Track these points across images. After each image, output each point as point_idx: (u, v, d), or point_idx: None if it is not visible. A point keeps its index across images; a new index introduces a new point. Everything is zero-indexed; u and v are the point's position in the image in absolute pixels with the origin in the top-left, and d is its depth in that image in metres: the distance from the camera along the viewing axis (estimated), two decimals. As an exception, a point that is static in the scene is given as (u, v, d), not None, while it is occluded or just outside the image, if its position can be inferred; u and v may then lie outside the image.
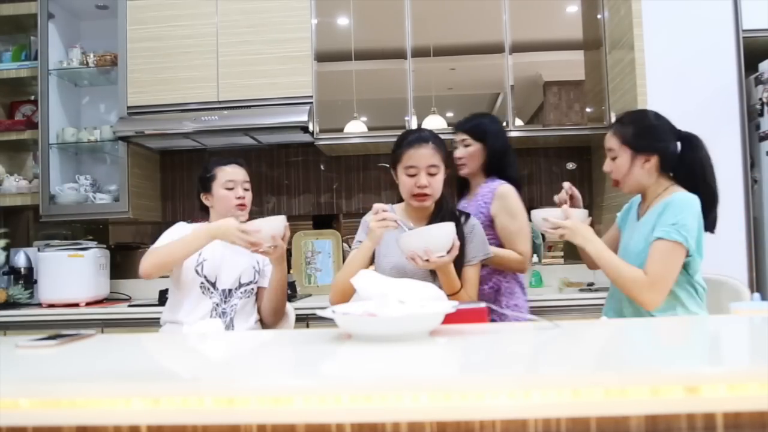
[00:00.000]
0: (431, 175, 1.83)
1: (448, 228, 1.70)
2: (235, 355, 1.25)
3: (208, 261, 1.98)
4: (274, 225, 1.86)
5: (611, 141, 1.83)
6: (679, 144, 1.81)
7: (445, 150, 1.89)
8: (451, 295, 1.77)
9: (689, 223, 1.66)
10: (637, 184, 1.82)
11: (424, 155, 1.82)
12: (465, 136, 2.18)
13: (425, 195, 1.83)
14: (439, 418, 0.83)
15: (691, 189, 1.75)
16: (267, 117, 3.04)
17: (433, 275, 1.82)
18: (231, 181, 2.04)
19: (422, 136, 1.87)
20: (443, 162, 1.86)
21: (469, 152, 2.18)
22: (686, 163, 1.79)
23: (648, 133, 1.79)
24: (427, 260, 1.67)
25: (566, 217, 1.76)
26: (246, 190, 2.07)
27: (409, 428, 0.83)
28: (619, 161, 1.81)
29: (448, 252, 1.69)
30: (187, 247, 1.89)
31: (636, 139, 1.78)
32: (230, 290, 1.99)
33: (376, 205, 1.76)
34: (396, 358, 1.04)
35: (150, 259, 1.90)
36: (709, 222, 1.75)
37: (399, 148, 1.88)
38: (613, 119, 3.03)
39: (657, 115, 1.83)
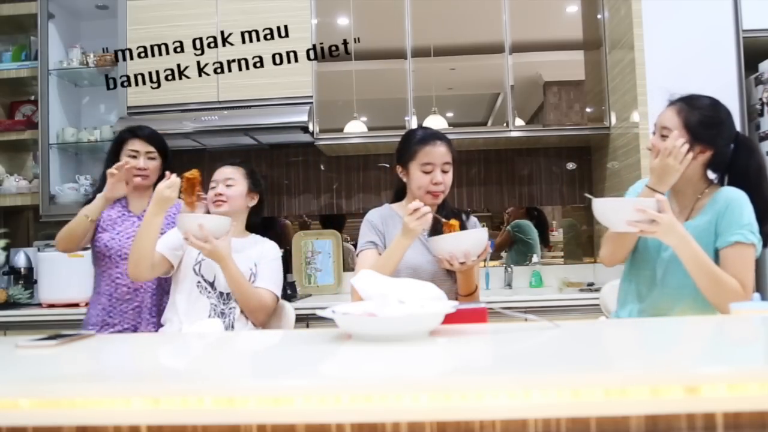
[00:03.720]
0: (444, 172, 1.85)
1: (483, 234, 1.76)
2: (235, 355, 1.25)
3: (206, 261, 1.98)
4: (182, 223, 1.86)
5: (671, 120, 1.64)
6: (731, 146, 1.68)
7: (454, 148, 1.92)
8: (467, 295, 1.83)
9: (754, 221, 1.58)
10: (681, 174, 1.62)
11: (440, 152, 1.84)
12: (152, 149, 2.16)
13: (438, 192, 1.85)
14: (439, 418, 0.83)
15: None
16: (267, 117, 3.04)
17: (448, 275, 1.87)
18: (213, 181, 2.07)
19: (437, 134, 1.89)
20: (454, 161, 1.89)
21: (154, 165, 2.17)
22: (740, 169, 1.67)
23: (714, 125, 1.64)
24: (463, 262, 1.71)
25: (661, 210, 1.50)
26: (228, 186, 2.05)
27: (409, 428, 0.83)
28: (671, 143, 1.61)
29: (479, 256, 1.74)
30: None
31: (700, 126, 1.62)
32: (228, 294, 1.98)
33: (413, 204, 1.70)
34: (396, 358, 1.04)
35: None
36: (764, 235, 1.60)
37: (412, 145, 1.87)
38: (614, 120, 3.04)
39: (727, 112, 1.67)
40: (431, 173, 1.83)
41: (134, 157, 2.12)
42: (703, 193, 1.67)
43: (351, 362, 1.08)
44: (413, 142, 1.88)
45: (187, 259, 2.00)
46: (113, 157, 2.15)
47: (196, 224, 1.84)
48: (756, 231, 1.57)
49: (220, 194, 2.03)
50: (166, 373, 1.08)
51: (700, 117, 1.62)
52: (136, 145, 2.12)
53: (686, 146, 1.58)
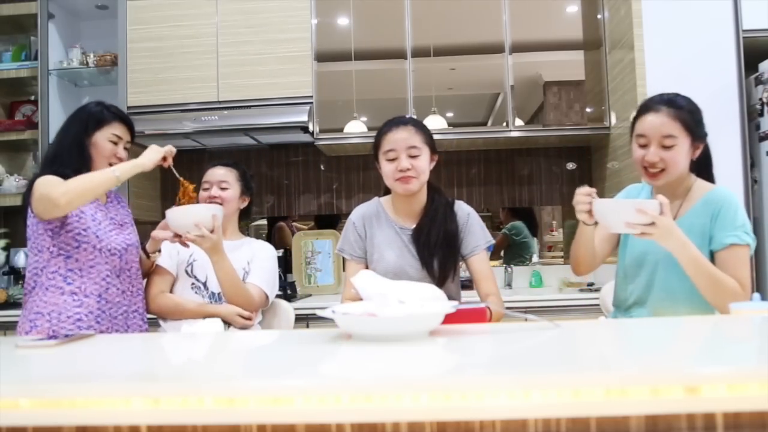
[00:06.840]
0: (412, 157, 1.72)
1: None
2: (235, 355, 1.25)
3: (198, 261, 1.98)
4: (197, 213, 1.82)
5: (672, 127, 1.59)
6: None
7: (429, 134, 1.79)
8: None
9: (747, 221, 1.60)
10: (678, 176, 1.63)
11: (401, 137, 1.73)
12: (129, 138, 2.06)
13: (409, 177, 1.72)
14: (439, 418, 0.83)
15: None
16: (267, 117, 3.04)
17: (433, 278, 1.78)
18: (206, 182, 2.07)
19: (400, 119, 1.78)
20: (427, 145, 1.76)
21: (125, 156, 2.05)
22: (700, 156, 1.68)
23: (701, 118, 1.64)
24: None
25: (661, 213, 1.44)
26: (223, 189, 2.05)
27: (409, 428, 0.83)
28: (680, 149, 1.59)
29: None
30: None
31: (695, 125, 1.61)
32: (220, 293, 1.96)
33: None
34: (396, 358, 1.04)
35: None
36: None
37: (378, 136, 1.79)
38: (614, 120, 3.04)
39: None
40: (396, 160, 1.72)
41: (115, 143, 1.96)
42: (690, 190, 1.67)
43: (351, 362, 1.08)
44: (378, 133, 1.79)
45: (178, 261, 2.02)
46: (85, 129, 1.93)
47: (210, 214, 1.80)
48: (749, 231, 1.59)
49: (215, 197, 2.03)
50: (166, 373, 1.08)
51: (691, 115, 1.62)
52: (119, 130, 1.95)
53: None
